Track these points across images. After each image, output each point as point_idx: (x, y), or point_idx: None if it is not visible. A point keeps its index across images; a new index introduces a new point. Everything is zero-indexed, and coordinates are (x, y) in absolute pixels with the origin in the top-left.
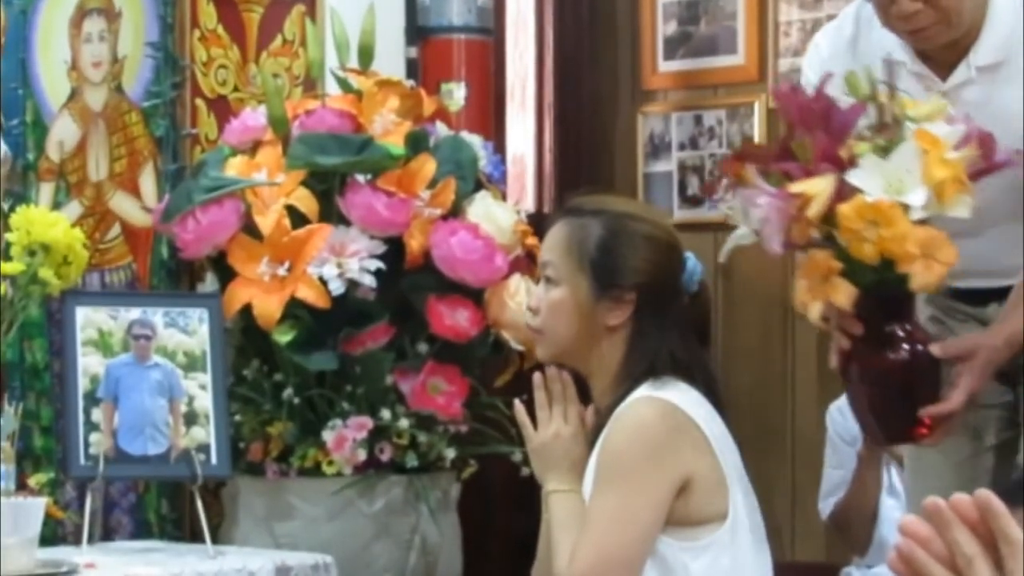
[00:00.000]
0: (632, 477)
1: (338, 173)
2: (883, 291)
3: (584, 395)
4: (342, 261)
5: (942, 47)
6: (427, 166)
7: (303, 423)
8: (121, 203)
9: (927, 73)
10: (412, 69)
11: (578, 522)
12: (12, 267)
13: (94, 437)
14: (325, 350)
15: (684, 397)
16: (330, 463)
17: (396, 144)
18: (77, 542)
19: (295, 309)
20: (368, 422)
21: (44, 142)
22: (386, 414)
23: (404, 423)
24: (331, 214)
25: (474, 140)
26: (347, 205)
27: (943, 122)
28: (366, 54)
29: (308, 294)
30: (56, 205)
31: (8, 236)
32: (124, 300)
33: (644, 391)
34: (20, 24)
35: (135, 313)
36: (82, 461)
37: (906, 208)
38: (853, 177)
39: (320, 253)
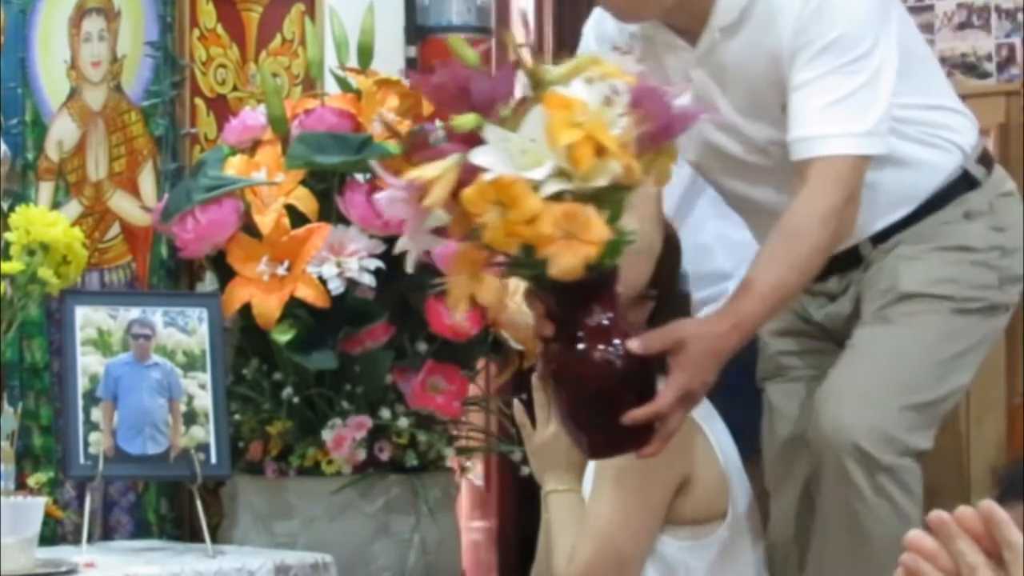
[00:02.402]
0: (632, 476)
1: (337, 172)
2: (543, 282)
3: None
4: (341, 260)
5: (685, 16)
6: None
7: (302, 422)
8: (120, 202)
9: (679, 43)
10: (412, 68)
11: (577, 522)
12: (11, 267)
13: (93, 436)
14: (324, 349)
15: None
16: (329, 462)
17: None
18: (76, 542)
19: (294, 308)
20: (367, 421)
21: (43, 141)
22: (385, 413)
23: (403, 422)
24: (330, 213)
25: None
26: (346, 204)
27: (591, 80)
28: (365, 53)
29: (307, 293)
30: (55, 204)
31: (7, 235)
32: (123, 299)
33: None
34: (19, 23)
35: (134, 312)
36: (81, 460)
37: (538, 184)
38: (476, 155)
39: (319, 252)
